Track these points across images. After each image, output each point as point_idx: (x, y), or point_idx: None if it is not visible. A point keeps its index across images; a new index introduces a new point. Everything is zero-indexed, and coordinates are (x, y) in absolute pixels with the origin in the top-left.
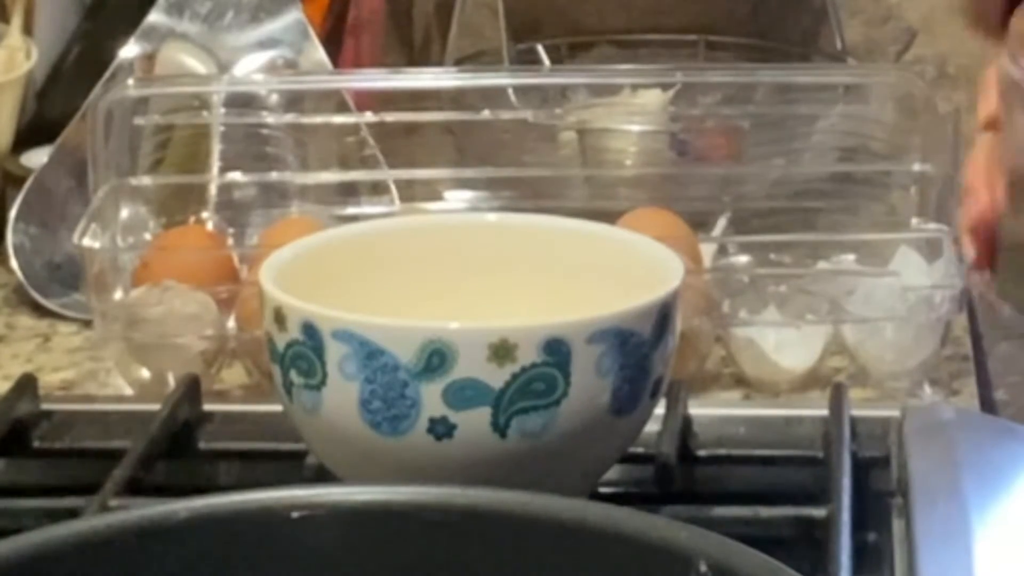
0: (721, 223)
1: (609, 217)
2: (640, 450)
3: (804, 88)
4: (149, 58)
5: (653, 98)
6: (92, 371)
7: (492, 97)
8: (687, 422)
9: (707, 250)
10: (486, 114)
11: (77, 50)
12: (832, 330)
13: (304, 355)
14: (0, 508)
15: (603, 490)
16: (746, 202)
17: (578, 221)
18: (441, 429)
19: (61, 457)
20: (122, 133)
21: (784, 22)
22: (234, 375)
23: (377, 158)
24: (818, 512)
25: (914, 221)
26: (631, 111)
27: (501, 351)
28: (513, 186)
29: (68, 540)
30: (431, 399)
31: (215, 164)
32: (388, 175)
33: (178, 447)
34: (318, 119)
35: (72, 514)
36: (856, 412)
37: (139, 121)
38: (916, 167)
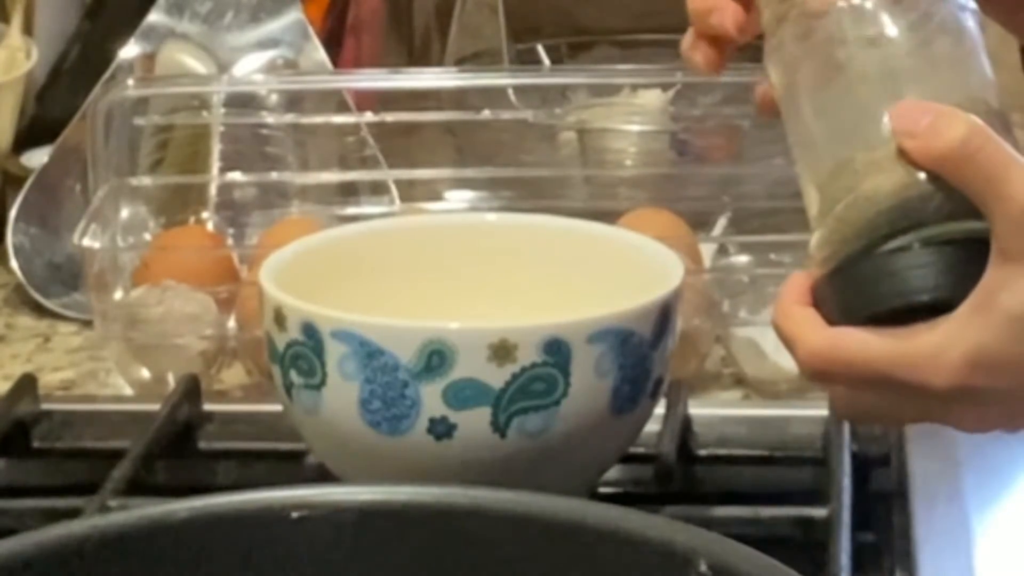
0: (721, 223)
1: (609, 217)
2: (640, 450)
3: None
4: (149, 58)
5: (653, 98)
6: (92, 371)
7: (492, 97)
8: (687, 422)
9: (707, 250)
10: (486, 114)
11: (77, 50)
12: None
13: (304, 355)
14: (0, 508)
15: (603, 490)
16: (746, 202)
17: (578, 221)
18: (441, 429)
19: (61, 457)
20: (122, 133)
21: None
22: (234, 375)
23: (377, 158)
24: (818, 512)
25: None
26: (631, 111)
27: (501, 351)
28: (513, 186)
29: (68, 540)
30: (431, 399)
31: (215, 164)
32: (388, 175)
33: (178, 447)
34: (318, 119)
35: (72, 514)
36: None
37: (139, 121)
38: None
